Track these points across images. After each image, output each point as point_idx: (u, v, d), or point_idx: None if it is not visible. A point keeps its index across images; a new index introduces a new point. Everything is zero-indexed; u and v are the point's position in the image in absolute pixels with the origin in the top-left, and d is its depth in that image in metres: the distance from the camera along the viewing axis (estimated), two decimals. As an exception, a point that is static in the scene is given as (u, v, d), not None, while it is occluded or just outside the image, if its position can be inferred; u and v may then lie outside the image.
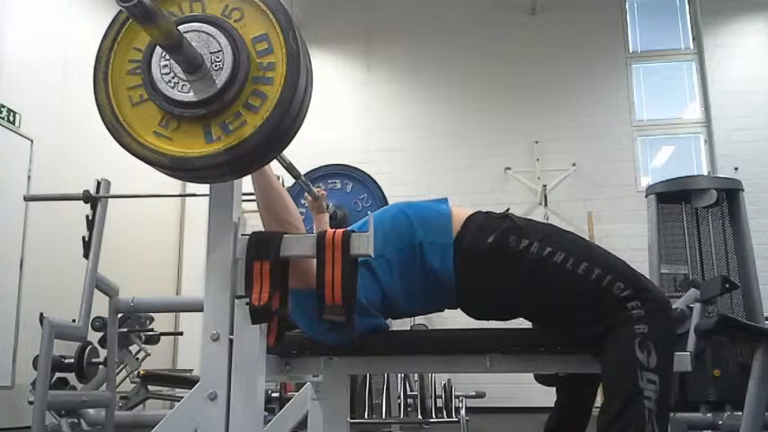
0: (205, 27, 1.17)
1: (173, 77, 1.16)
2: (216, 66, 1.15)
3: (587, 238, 7.14)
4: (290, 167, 1.90)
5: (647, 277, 1.49)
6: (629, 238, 6.82)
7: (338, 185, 2.65)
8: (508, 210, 1.59)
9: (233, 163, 1.16)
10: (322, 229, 2.19)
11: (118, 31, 1.22)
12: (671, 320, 1.42)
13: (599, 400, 1.53)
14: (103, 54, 1.21)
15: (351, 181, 2.67)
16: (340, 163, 2.77)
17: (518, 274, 1.47)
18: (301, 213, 1.90)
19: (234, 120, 1.16)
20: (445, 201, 1.64)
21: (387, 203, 2.63)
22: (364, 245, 1.27)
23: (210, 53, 1.16)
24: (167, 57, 1.16)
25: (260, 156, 1.20)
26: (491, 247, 1.48)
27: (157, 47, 1.17)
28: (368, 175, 2.72)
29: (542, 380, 1.84)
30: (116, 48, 1.21)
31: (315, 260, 1.28)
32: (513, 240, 1.48)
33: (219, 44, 1.16)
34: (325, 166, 2.72)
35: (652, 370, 1.34)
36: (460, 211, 1.59)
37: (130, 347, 5.15)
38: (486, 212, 1.57)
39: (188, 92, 1.15)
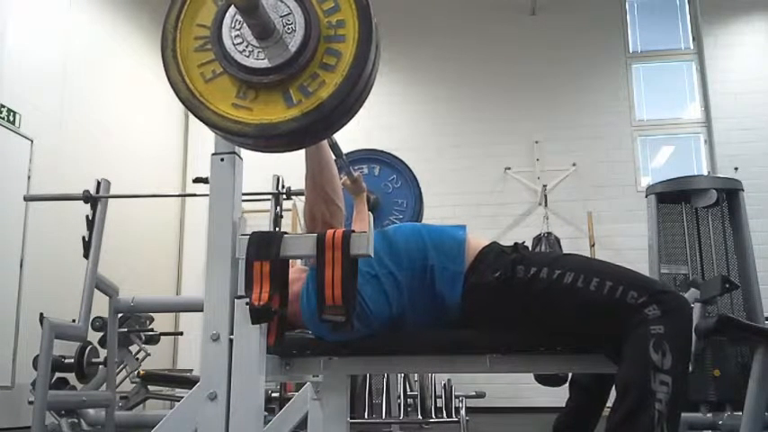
0: None
1: (246, 46, 1.16)
2: (288, 29, 1.15)
3: (587, 239, 7.16)
4: (334, 146, 1.89)
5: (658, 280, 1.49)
6: (629, 238, 6.83)
7: (365, 170, 2.61)
8: (523, 243, 1.60)
9: (316, 124, 1.16)
10: (362, 211, 2.19)
11: (180, 9, 1.21)
12: (688, 320, 1.40)
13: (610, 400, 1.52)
14: (169, 33, 1.21)
15: (377, 164, 2.64)
16: (364, 148, 2.72)
17: (531, 301, 1.48)
18: None
19: (312, 81, 1.16)
20: (463, 228, 1.64)
21: (416, 182, 2.62)
22: (364, 245, 1.27)
23: (281, 17, 1.16)
24: (238, 26, 1.16)
25: (340, 116, 1.19)
26: (498, 280, 1.49)
27: (225, 18, 1.17)
28: (394, 156, 2.67)
29: (543, 380, 1.85)
30: (180, 26, 1.21)
31: None
32: (521, 270, 1.49)
33: (288, 7, 1.16)
34: (350, 152, 2.62)
35: (666, 372, 1.32)
36: (476, 242, 1.59)
37: (130, 347, 5.15)
38: (500, 248, 1.58)
39: (263, 58, 1.15)
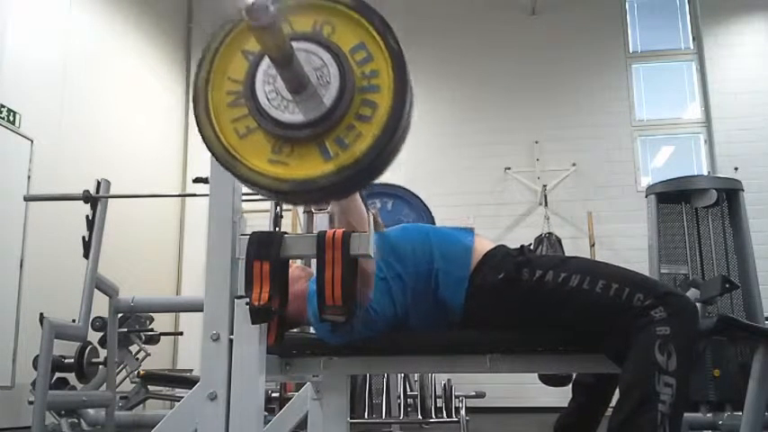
0: (303, 44, 1.13)
1: (281, 101, 1.13)
2: (322, 81, 1.13)
3: (587, 239, 7.16)
4: None
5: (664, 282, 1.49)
6: (629, 238, 6.83)
7: (378, 204, 2.60)
8: (530, 244, 1.60)
9: (355, 177, 1.13)
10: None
11: (210, 64, 1.19)
12: (694, 322, 1.40)
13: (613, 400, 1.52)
14: (201, 89, 1.18)
15: (390, 198, 2.63)
16: (377, 183, 2.70)
17: (537, 304, 1.48)
18: None
19: (348, 133, 1.13)
20: (471, 233, 1.64)
21: (430, 213, 2.61)
22: (364, 245, 1.27)
23: (314, 69, 1.13)
24: (271, 81, 1.14)
25: (378, 166, 1.16)
26: (501, 282, 1.50)
27: (258, 73, 1.14)
28: (406, 190, 2.66)
29: (547, 380, 1.84)
30: (212, 80, 1.18)
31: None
32: (526, 273, 1.49)
33: (322, 59, 1.13)
34: None
35: (670, 373, 1.31)
36: (482, 244, 1.59)
37: (130, 347, 5.15)
38: (506, 250, 1.58)
39: (298, 113, 1.13)
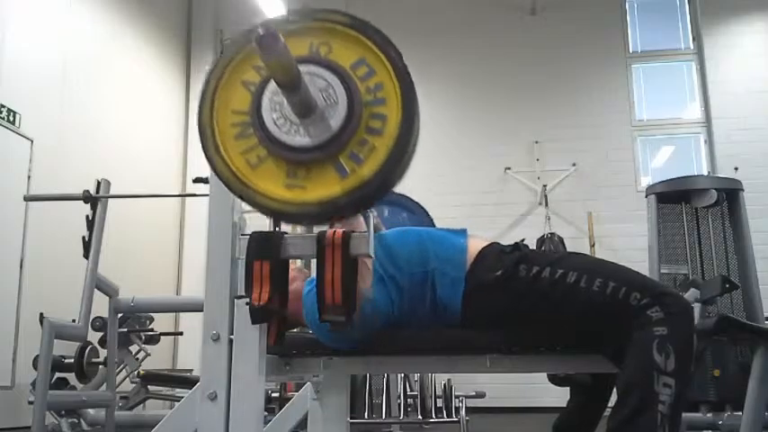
0: (305, 67, 1.14)
1: (290, 126, 1.14)
2: (329, 101, 1.14)
3: (587, 239, 7.17)
4: None
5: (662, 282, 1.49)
6: (629, 238, 6.83)
7: (375, 214, 2.58)
8: (523, 240, 1.59)
9: (371, 193, 1.14)
10: None
11: (212, 100, 1.19)
12: (691, 323, 1.40)
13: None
14: (206, 127, 1.18)
15: (386, 206, 2.63)
16: None
17: (533, 301, 1.47)
18: None
19: (361, 148, 1.14)
20: (464, 234, 1.64)
21: (426, 213, 2.61)
22: (364, 245, 1.27)
23: (320, 90, 1.14)
24: (278, 107, 1.14)
25: (393, 179, 1.17)
26: (499, 279, 1.49)
27: (263, 101, 1.15)
28: (399, 194, 2.66)
29: (554, 380, 1.84)
30: (215, 116, 1.18)
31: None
32: (523, 269, 1.48)
33: (326, 80, 1.14)
34: None
35: (669, 374, 1.31)
36: (476, 244, 1.59)
37: (130, 347, 5.14)
38: (500, 248, 1.58)
39: (309, 135, 1.13)
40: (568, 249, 6.87)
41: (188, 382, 4.77)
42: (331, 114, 1.13)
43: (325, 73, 1.15)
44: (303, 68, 1.13)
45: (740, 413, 2.18)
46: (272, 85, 1.14)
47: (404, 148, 1.13)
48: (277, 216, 1.20)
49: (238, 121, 1.18)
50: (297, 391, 3.09)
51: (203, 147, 1.18)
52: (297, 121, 1.14)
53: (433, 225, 2.57)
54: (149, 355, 5.30)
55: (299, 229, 1.70)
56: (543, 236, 6.96)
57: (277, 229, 1.29)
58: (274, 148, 1.14)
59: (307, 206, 1.14)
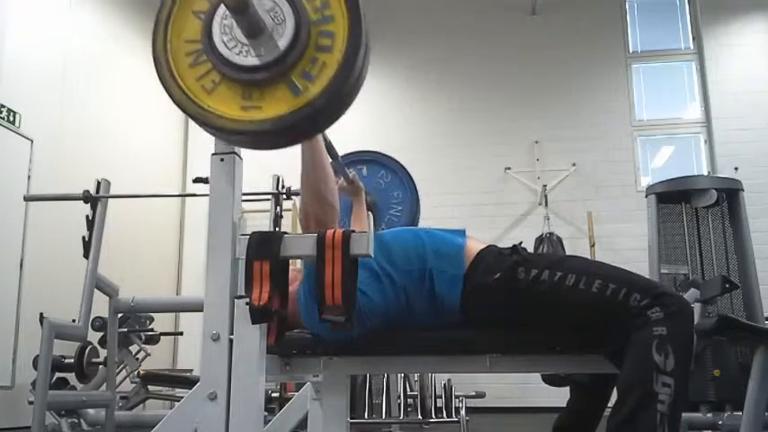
0: None
1: (241, 47, 1.17)
2: (277, 20, 1.17)
3: (587, 239, 7.16)
4: (330, 147, 1.89)
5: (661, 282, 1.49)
6: (629, 238, 6.83)
7: (353, 172, 2.61)
8: (521, 243, 1.59)
9: (326, 108, 1.17)
10: (360, 212, 2.18)
11: (165, 32, 1.23)
12: (690, 323, 1.40)
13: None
14: (161, 56, 1.22)
15: (363, 164, 2.64)
16: (351, 152, 2.72)
17: (532, 303, 1.48)
18: None
19: (312, 65, 1.17)
20: (462, 234, 1.64)
21: (405, 171, 2.63)
22: (364, 245, 1.27)
23: (267, 11, 1.18)
24: (228, 30, 1.18)
25: (347, 95, 1.20)
26: (498, 282, 1.49)
27: (214, 26, 1.19)
28: (376, 152, 2.67)
29: (550, 380, 1.84)
30: (169, 47, 1.22)
31: None
32: (521, 272, 1.48)
33: (273, 0, 1.18)
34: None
35: (668, 373, 1.31)
36: (474, 244, 1.60)
37: (130, 347, 5.15)
38: (498, 250, 1.58)
39: (260, 55, 1.17)
40: (568, 249, 6.88)
41: (188, 382, 4.77)
42: (279, 33, 1.17)
43: None
44: None
45: (740, 413, 2.18)
46: (222, 9, 1.18)
47: (352, 63, 1.15)
48: (234, 136, 1.23)
49: (192, 49, 1.22)
50: (297, 391, 3.09)
51: (159, 77, 1.21)
52: (246, 42, 1.17)
53: (414, 186, 2.60)
54: (149, 355, 5.30)
55: (299, 230, 1.70)
56: (542, 235, 6.96)
57: (277, 229, 1.29)
58: (227, 70, 1.18)
59: (261, 123, 1.17)
